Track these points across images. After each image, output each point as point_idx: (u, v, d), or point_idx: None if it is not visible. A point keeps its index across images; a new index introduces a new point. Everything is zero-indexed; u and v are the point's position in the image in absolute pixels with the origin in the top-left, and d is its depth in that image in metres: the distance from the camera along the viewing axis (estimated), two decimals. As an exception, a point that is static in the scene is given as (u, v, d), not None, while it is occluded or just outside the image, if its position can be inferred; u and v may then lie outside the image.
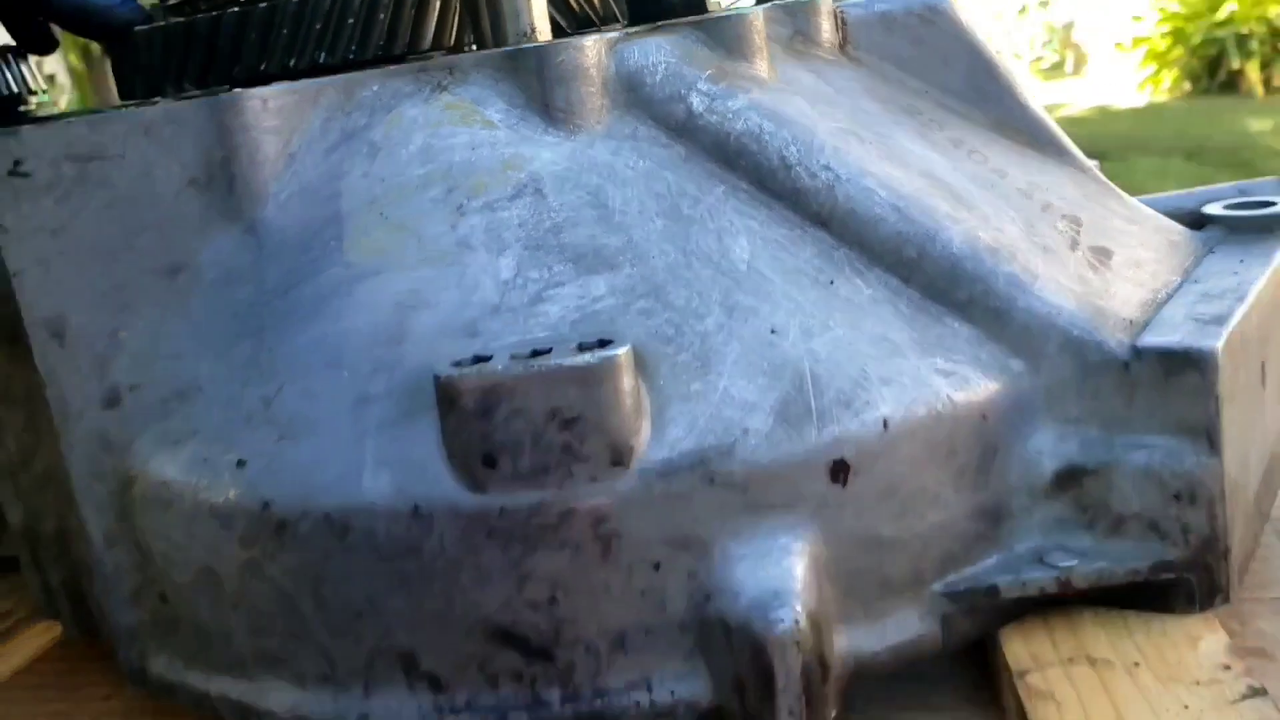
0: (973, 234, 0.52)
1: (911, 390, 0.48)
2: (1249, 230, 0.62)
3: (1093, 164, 0.64)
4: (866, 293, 0.50)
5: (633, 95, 0.53)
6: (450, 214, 0.51)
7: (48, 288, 0.53)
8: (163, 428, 0.52)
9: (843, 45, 0.61)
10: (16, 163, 0.52)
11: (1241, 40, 7.94)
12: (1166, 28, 8.27)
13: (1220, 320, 0.50)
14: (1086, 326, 0.50)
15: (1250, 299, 0.52)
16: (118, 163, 0.52)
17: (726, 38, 0.54)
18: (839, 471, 0.47)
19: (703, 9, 0.74)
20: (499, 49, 0.56)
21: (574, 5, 0.67)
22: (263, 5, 0.60)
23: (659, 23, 0.56)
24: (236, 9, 0.60)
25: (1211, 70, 8.18)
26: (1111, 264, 0.56)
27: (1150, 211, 0.64)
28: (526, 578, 0.45)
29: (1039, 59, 10.10)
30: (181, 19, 0.63)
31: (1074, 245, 0.56)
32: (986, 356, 0.50)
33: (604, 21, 0.68)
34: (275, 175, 0.52)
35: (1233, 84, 8.09)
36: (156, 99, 0.53)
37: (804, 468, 0.46)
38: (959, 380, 0.49)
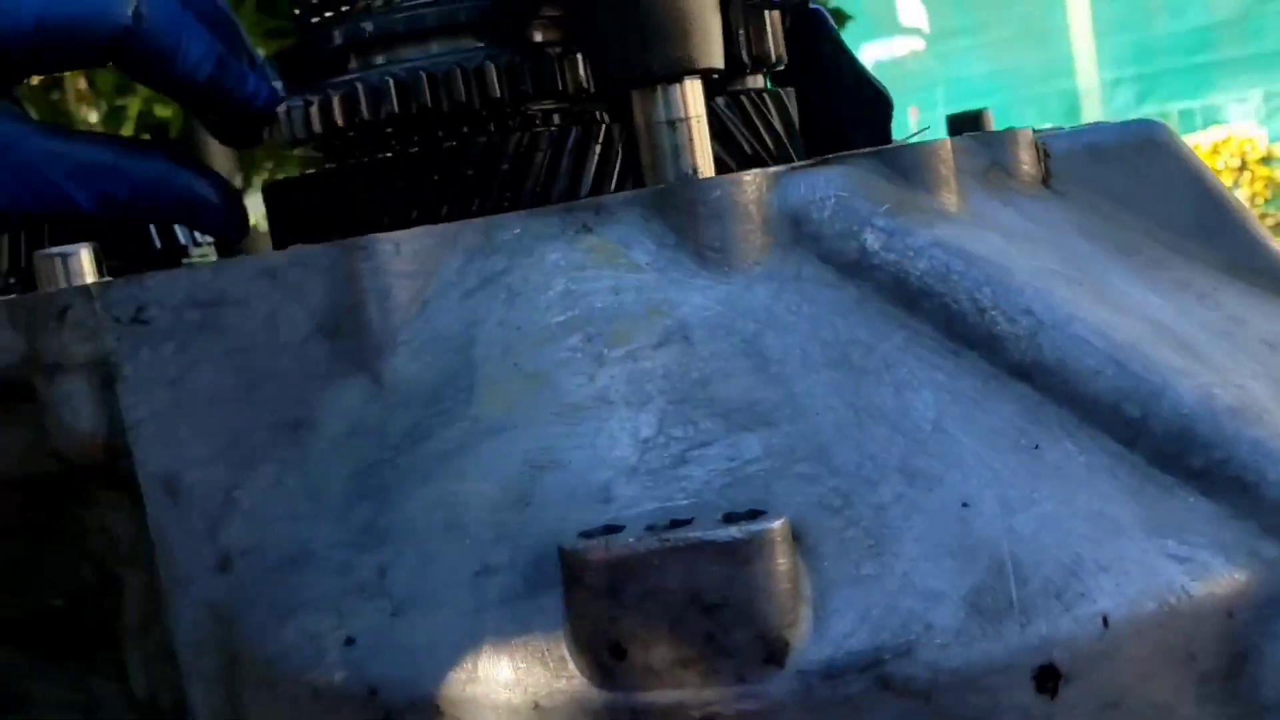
0: (1208, 391, 0.43)
1: (1138, 580, 0.39)
2: None
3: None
4: (1080, 459, 0.42)
5: (797, 232, 0.47)
6: (589, 364, 0.45)
7: (164, 441, 0.49)
8: (273, 599, 0.47)
9: (1046, 178, 0.54)
10: (140, 309, 0.49)
11: None
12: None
13: None
14: (1361, 505, 0.40)
15: None
16: (241, 309, 0.48)
17: (907, 168, 0.48)
18: (1047, 679, 0.38)
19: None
20: (650, 188, 0.51)
21: (744, 146, 0.62)
22: (413, 152, 0.56)
23: (830, 155, 0.50)
24: (388, 155, 0.57)
25: None
26: (1385, 428, 0.46)
27: None
28: (659, 796, 0.38)
29: (1262, 215, 9.65)
30: (332, 165, 0.60)
31: (1337, 405, 0.46)
32: (1231, 538, 0.41)
33: (777, 160, 0.62)
34: (406, 322, 0.47)
35: None
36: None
37: (1003, 674, 0.38)
38: (1197, 568, 0.40)
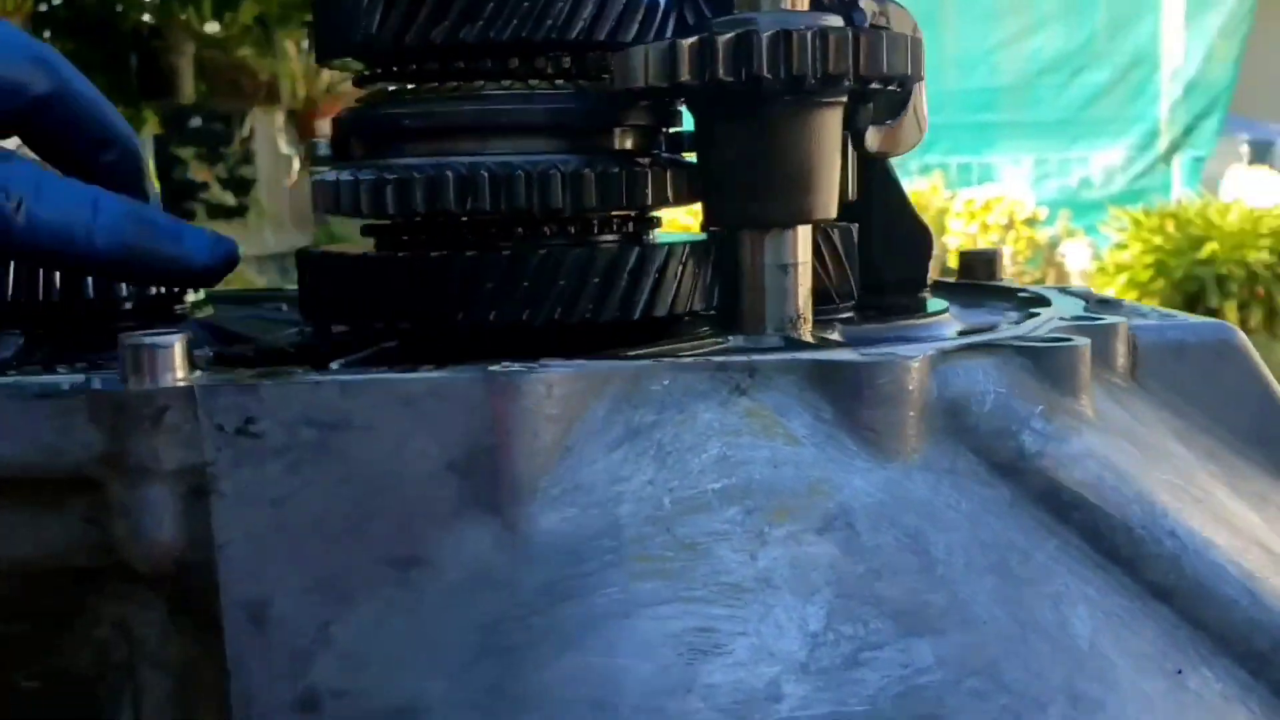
0: (1326, 627, 0.45)
1: (1277, 820, 0.41)
2: None
3: None
4: (1216, 687, 0.44)
5: (954, 423, 0.47)
6: (750, 540, 0.44)
7: (256, 565, 0.45)
8: (373, 750, 0.44)
9: (1133, 372, 0.55)
10: (248, 420, 0.45)
11: (1221, 280, 8.16)
12: (1150, 259, 8.49)
13: None
14: None
15: None
16: (366, 434, 0.45)
17: (1055, 369, 0.48)
18: None
19: (923, 285, 0.70)
20: (799, 351, 0.50)
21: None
22: (503, 253, 0.53)
23: (976, 340, 0.50)
24: (472, 253, 0.54)
25: (1190, 305, 8.38)
26: None
27: None
28: None
29: (1021, 272, 10.31)
30: (402, 253, 0.56)
31: (1404, 636, 0.49)
32: (1345, 778, 0.43)
33: (840, 296, 0.62)
34: (548, 469, 0.45)
35: (1210, 322, 8.27)
36: (414, 369, 0.46)
37: None
38: (1322, 808, 0.42)
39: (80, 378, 0.46)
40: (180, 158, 5.96)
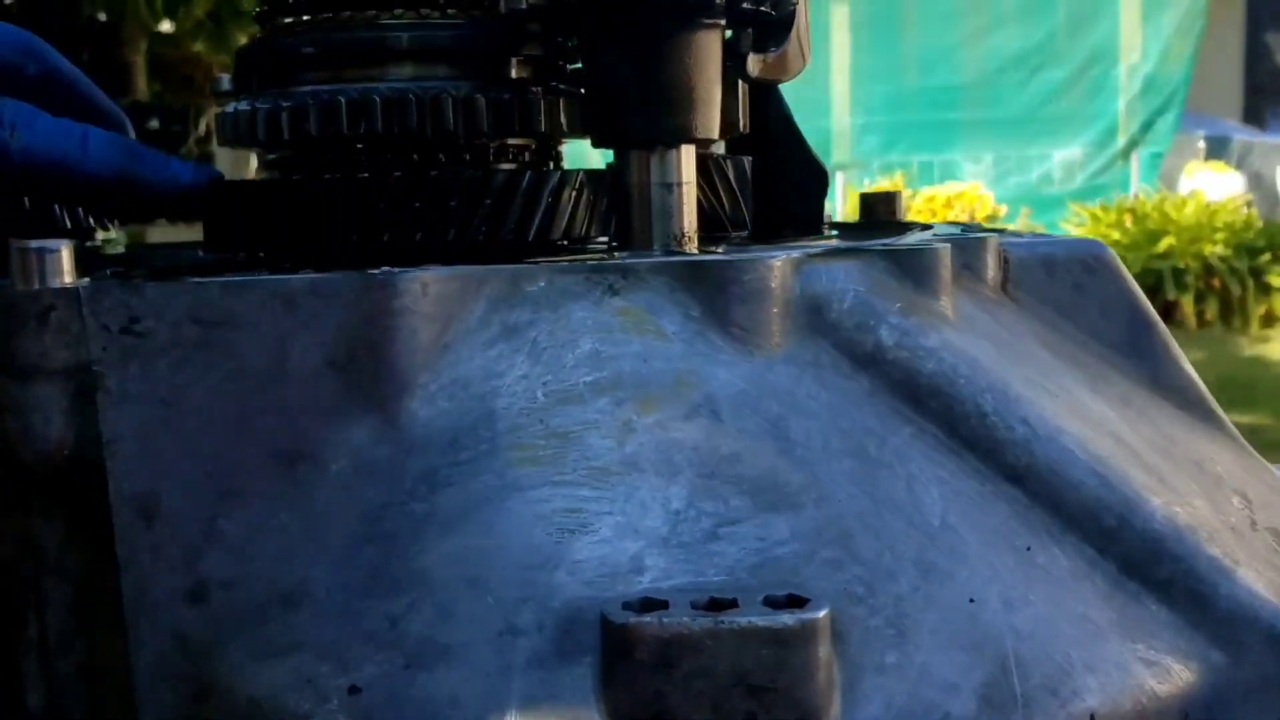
0: (1171, 509, 0.48)
1: (1117, 680, 0.44)
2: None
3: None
4: (1064, 563, 0.46)
5: (816, 320, 0.49)
6: (618, 428, 0.46)
7: (144, 462, 0.46)
8: (258, 635, 0.45)
9: (1004, 284, 0.58)
10: (133, 320, 0.46)
11: (1178, 274, 8.27)
12: (1108, 254, 8.57)
13: None
14: (1293, 623, 0.46)
15: None
16: (249, 332, 0.46)
17: (916, 271, 0.51)
18: (1044, 768, 0.42)
19: (819, 222, 0.72)
20: (674, 256, 0.52)
21: (704, 204, 0.63)
22: (398, 175, 0.55)
23: (841, 245, 0.52)
24: (365, 175, 0.55)
25: (1149, 298, 8.47)
26: (1288, 548, 0.52)
27: (1294, 485, 0.61)
28: None
29: (981, 269, 10.37)
30: (276, 173, 0.58)
31: (1254, 525, 0.52)
32: (1186, 645, 0.46)
33: (733, 225, 0.65)
34: (426, 365, 0.47)
35: (1168, 314, 8.38)
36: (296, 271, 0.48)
37: (1009, 762, 0.41)
38: (1162, 671, 0.45)
39: (-32, 283, 0.48)
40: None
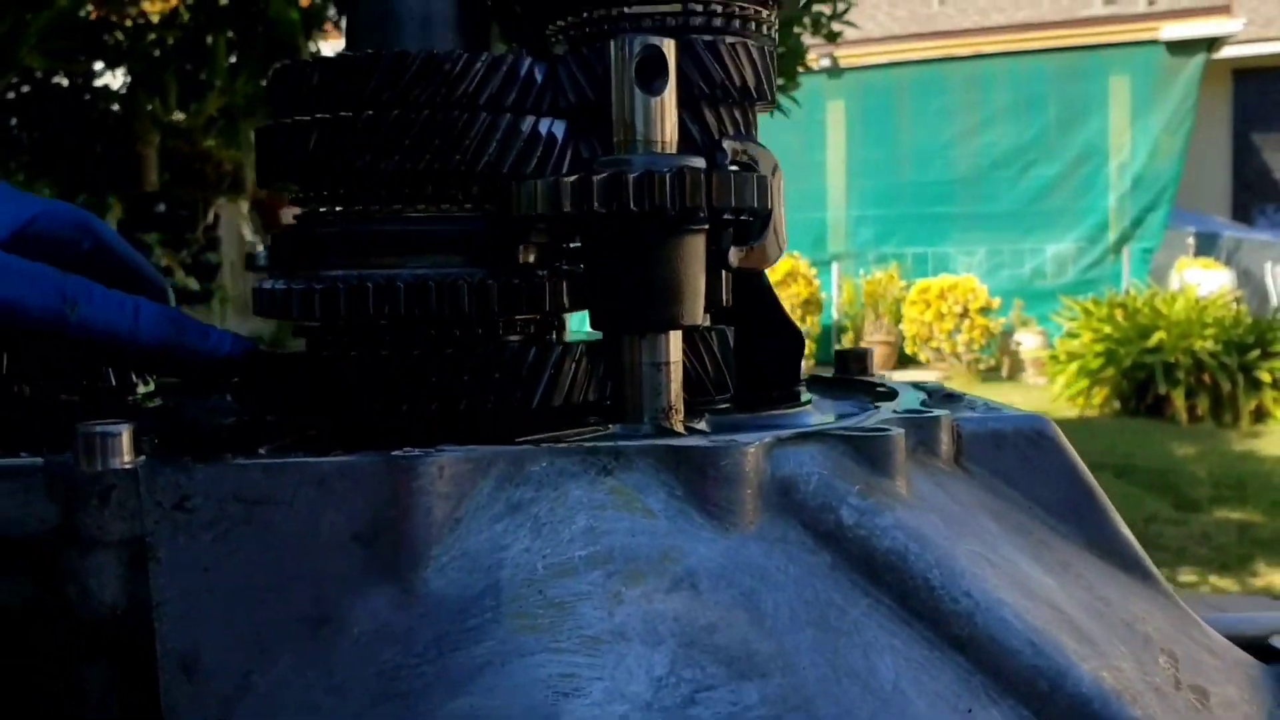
0: (1098, 673, 0.54)
1: (1047, 834, 0.49)
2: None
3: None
4: (1001, 724, 0.52)
5: (785, 500, 0.55)
6: (608, 599, 0.52)
7: (187, 622, 0.53)
8: (285, 782, 0.51)
9: (957, 456, 0.64)
10: (184, 498, 0.53)
11: (1169, 369, 8.36)
12: (1100, 348, 8.68)
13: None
14: (1207, 781, 0.52)
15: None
16: (285, 509, 0.53)
17: (873, 454, 0.57)
18: None
19: (795, 383, 0.78)
20: (661, 435, 0.58)
21: (690, 373, 0.70)
22: (416, 353, 0.62)
23: (807, 429, 0.59)
24: (387, 353, 0.62)
25: (1140, 393, 8.56)
26: (1210, 704, 0.58)
27: (1224, 641, 0.67)
28: None
29: (976, 360, 10.53)
30: (326, 352, 0.65)
31: (1177, 684, 0.58)
32: (1111, 802, 0.51)
33: (717, 389, 0.71)
34: (439, 539, 0.53)
35: (1159, 408, 8.47)
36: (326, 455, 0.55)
37: None
38: (1088, 826, 0.50)
39: (39, 460, 0.54)
40: (145, 243, 6.07)
